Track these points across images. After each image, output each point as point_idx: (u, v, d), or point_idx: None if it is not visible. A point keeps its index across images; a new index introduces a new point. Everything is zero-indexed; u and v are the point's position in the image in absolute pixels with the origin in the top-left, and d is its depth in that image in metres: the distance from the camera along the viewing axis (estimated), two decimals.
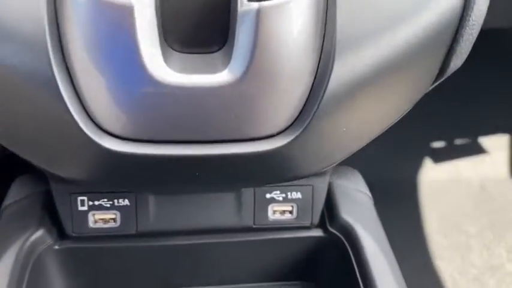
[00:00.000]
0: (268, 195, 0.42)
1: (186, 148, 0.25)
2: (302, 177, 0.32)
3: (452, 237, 1.08)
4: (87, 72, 0.24)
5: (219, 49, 0.25)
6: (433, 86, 0.36)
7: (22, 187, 0.43)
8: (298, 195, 0.42)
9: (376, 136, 0.33)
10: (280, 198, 0.42)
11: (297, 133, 0.26)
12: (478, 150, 1.25)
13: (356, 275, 0.40)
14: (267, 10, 0.24)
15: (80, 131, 0.24)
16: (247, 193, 0.41)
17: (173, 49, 0.26)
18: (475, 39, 0.28)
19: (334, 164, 0.33)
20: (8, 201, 0.42)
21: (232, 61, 0.23)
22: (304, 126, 0.25)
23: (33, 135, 0.26)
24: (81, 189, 0.39)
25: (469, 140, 1.26)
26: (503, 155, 1.25)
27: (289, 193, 0.42)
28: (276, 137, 0.26)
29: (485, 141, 1.26)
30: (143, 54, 0.24)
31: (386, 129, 0.34)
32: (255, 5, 0.23)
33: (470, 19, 0.27)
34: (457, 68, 0.31)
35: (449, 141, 1.25)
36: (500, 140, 1.26)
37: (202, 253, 0.43)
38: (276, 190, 0.42)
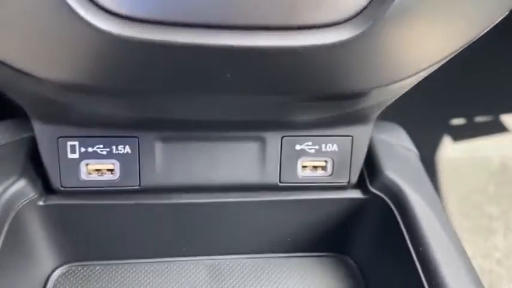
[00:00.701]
0: (298, 147, 0.35)
1: (217, 35, 0.18)
2: (367, 92, 0.25)
3: (474, 219, 1.02)
4: None
5: None
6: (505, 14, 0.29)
7: (3, 133, 0.36)
8: (335, 147, 0.35)
9: (442, 60, 0.26)
10: (313, 151, 0.35)
11: (368, 25, 0.18)
12: (499, 128, 1.20)
13: (406, 243, 0.33)
14: None
15: (71, 12, 0.17)
16: (273, 143, 0.34)
17: None
18: None
19: (397, 82, 0.26)
20: None
21: None
22: (376, 18, 0.18)
23: (19, 24, 0.19)
24: (72, 132, 0.32)
25: (490, 117, 1.21)
26: None
27: (323, 145, 0.35)
28: (340, 26, 0.18)
29: (507, 118, 1.21)
30: None
31: (452, 55, 0.27)
32: None
33: None
34: None
35: (470, 118, 1.19)
36: None
37: (216, 215, 0.36)
38: (308, 141, 0.35)
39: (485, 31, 0.29)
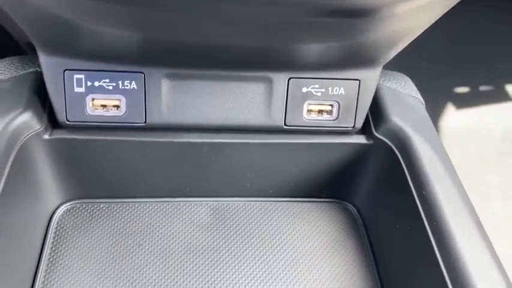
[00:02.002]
0: (304, 89, 0.35)
1: None
2: (367, 9, 0.24)
3: (473, 186, 1.03)
4: None
5: None
6: None
7: (9, 67, 0.36)
8: (341, 91, 0.35)
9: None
10: (319, 94, 0.35)
11: None
12: (503, 98, 1.20)
13: (409, 187, 0.33)
14: None
15: None
16: (280, 84, 0.34)
17: None
18: None
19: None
20: None
21: None
22: None
23: None
24: (78, 66, 0.32)
25: (493, 87, 1.21)
26: None
27: (330, 88, 0.35)
28: None
29: (510, 89, 1.21)
30: None
31: None
32: None
33: None
34: None
35: (474, 87, 1.19)
36: None
37: (221, 156, 0.36)
38: (315, 83, 0.35)
39: None
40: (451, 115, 1.16)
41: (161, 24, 0.26)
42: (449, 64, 1.16)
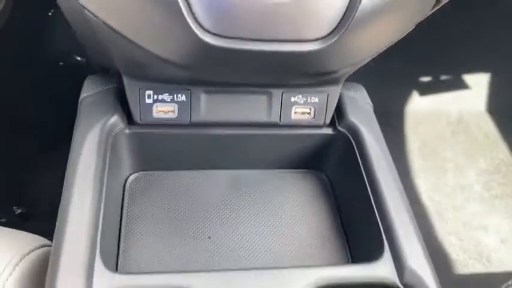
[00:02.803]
0: (292, 99, 0.53)
1: (260, 44, 0.35)
2: (335, 71, 0.42)
3: (430, 160, 1.21)
4: None
5: None
6: (432, 11, 0.46)
7: (93, 84, 0.53)
8: (316, 99, 0.53)
9: (390, 45, 0.44)
10: (302, 102, 0.53)
11: (336, 37, 0.36)
12: (460, 86, 1.36)
13: (359, 166, 0.51)
14: None
15: (189, 29, 0.34)
16: (276, 96, 0.52)
17: None
18: None
19: (358, 63, 0.44)
20: (83, 94, 0.52)
21: None
22: (341, 32, 0.36)
23: (154, 28, 0.35)
24: (149, 86, 0.49)
25: (452, 76, 1.37)
26: (482, 91, 1.37)
27: (309, 97, 0.53)
28: (322, 39, 0.36)
29: (467, 78, 1.37)
30: None
31: (397, 40, 0.45)
32: None
33: None
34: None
35: (435, 76, 1.35)
36: (481, 77, 1.37)
37: (239, 142, 0.54)
38: (299, 95, 0.53)
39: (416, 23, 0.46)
40: (416, 101, 1.33)
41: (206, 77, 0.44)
42: (415, 57, 1.32)
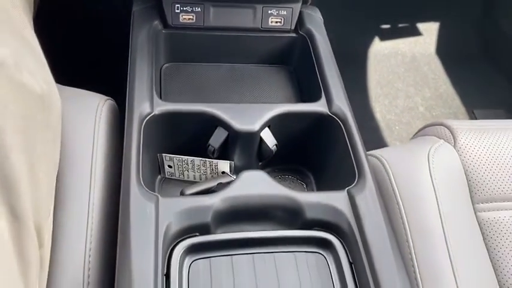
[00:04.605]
0: (269, 11, 0.80)
1: None
2: None
3: (386, 89, 1.50)
4: None
5: None
6: None
7: (141, 1, 0.81)
8: (285, 12, 0.81)
9: None
10: (275, 13, 0.81)
11: None
12: (414, 32, 1.62)
13: (312, 57, 0.80)
14: None
15: None
16: (259, 9, 0.80)
17: None
18: None
19: None
20: (135, 8, 0.80)
21: None
22: None
23: None
24: (177, 1, 0.78)
25: (408, 24, 1.64)
26: (433, 37, 1.65)
27: (280, 11, 0.80)
28: None
29: (420, 26, 1.64)
30: None
31: None
32: None
33: None
34: None
35: (393, 24, 1.63)
36: (431, 25, 1.66)
37: (234, 41, 0.81)
38: (273, 9, 0.81)
39: None
40: (377, 44, 1.61)
41: None
42: (377, 10, 1.60)
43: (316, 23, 0.84)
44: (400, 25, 1.61)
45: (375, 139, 1.34)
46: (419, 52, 1.60)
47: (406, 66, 1.57)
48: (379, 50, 1.58)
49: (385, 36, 1.59)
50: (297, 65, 0.86)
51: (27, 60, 0.48)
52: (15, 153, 0.39)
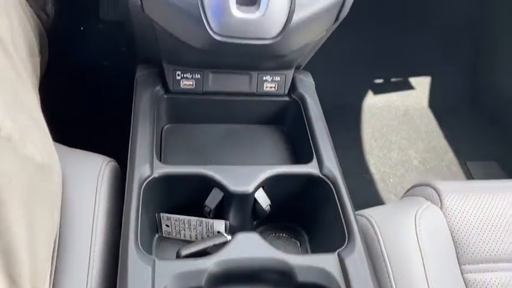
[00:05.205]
0: (264, 78, 0.85)
1: (243, 40, 0.69)
2: (285, 57, 0.76)
3: (380, 142, 1.54)
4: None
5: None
6: (335, 25, 0.79)
7: (143, 69, 0.87)
8: (278, 78, 0.86)
9: (314, 40, 0.78)
10: (270, 80, 0.85)
11: (282, 35, 0.69)
12: (407, 86, 1.67)
13: (303, 119, 0.85)
14: None
15: (206, 31, 0.67)
16: (254, 76, 0.85)
17: None
18: (350, 5, 0.73)
19: (296, 57, 0.78)
20: (138, 74, 0.85)
21: (260, 10, 0.67)
22: (284, 33, 0.69)
23: (189, 29, 0.69)
24: (178, 68, 0.83)
25: (401, 78, 1.71)
26: (425, 91, 1.71)
27: (274, 77, 0.85)
28: (273, 38, 0.70)
29: (413, 80, 1.69)
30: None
31: (316, 41, 0.80)
32: None
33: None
34: (343, 18, 0.76)
35: (386, 79, 1.70)
36: (423, 80, 1.72)
37: (230, 105, 0.87)
38: (268, 75, 0.86)
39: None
40: (370, 98, 1.67)
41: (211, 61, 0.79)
42: (370, 64, 1.67)
43: (308, 87, 0.89)
44: (393, 79, 1.67)
45: (370, 192, 1.37)
46: (412, 105, 1.65)
47: (399, 119, 1.61)
48: (373, 103, 1.63)
49: (379, 90, 1.64)
50: (290, 126, 0.91)
51: (32, 132, 0.52)
52: (17, 223, 0.42)
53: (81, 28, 1.59)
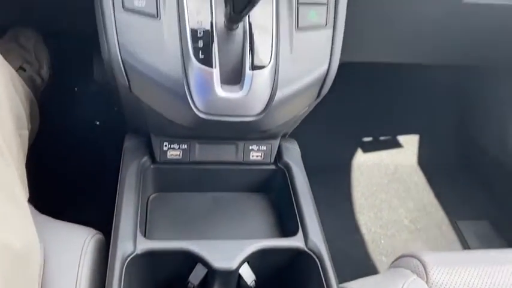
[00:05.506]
0: (250, 147, 0.86)
1: (227, 117, 0.70)
2: (269, 132, 0.78)
3: (370, 200, 1.55)
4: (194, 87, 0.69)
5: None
6: (317, 101, 0.82)
7: (131, 138, 0.88)
8: (264, 148, 0.87)
9: (295, 117, 0.80)
10: (256, 149, 0.87)
11: (265, 112, 0.71)
12: (396, 144, 1.70)
13: (289, 187, 0.86)
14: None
15: (191, 109, 0.69)
16: (241, 146, 0.87)
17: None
18: (331, 82, 0.76)
19: (280, 129, 0.80)
20: (126, 144, 0.87)
21: (243, 89, 0.69)
22: (267, 111, 0.71)
23: (175, 108, 0.71)
24: (166, 139, 0.84)
25: (389, 137, 1.71)
26: (414, 149, 1.73)
27: (260, 146, 0.87)
28: (257, 115, 0.71)
29: (401, 138, 1.71)
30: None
31: (300, 115, 0.81)
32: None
33: (329, 76, 0.74)
34: (325, 94, 0.78)
35: (375, 137, 1.72)
36: (412, 138, 1.75)
37: (217, 174, 0.88)
38: (254, 145, 0.87)
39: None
40: (360, 156, 1.68)
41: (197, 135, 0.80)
42: (359, 123, 1.69)
43: (293, 156, 0.90)
44: (382, 137, 1.69)
45: (361, 254, 1.36)
46: (401, 164, 1.67)
47: (389, 178, 1.62)
48: (363, 161, 1.64)
49: (368, 148, 1.66)
50: (277, 194, 0.91)
51: (11, 217, 0.52)
52: None
53: (75, 89, 1.62)
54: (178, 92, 0.68)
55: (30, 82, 1.33)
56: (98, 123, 1.61)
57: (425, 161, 1.65)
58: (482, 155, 1.63)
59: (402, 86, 1.69)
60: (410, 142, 1.68)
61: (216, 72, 0.68)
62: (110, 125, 1.48)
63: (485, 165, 1.63)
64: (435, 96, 1.66)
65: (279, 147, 0.89)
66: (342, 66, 0.77)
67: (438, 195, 1.55)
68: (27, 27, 1.31)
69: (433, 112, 1.67)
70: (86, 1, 0.75)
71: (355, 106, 1.63)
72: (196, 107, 0.69)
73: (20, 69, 1.30)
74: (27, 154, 0.82)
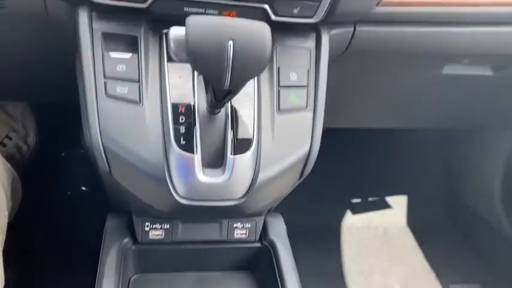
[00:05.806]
0: (234, 225, 0.85)
1: (210, 203, 0.70)
2: (252, 214, 0.76)
3: (360, 265, 1.52)
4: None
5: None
6: (300, 180, 0.81)
7: (113, 218, 0.87)
8: (249, 225, 0.86)
9: (279, 197, 0.80)
10: (240, 227, 0.86)
11: (248, 195, 0.71)
12: (385, 206, 1.70)
13: (275, 268, 0.84)
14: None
15: (171, 196, 0.68)
16: (225, 224, 0.86)
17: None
18: (314, 162, 0.76)
19: (264, 209, 0.79)
20: (108, 223, 0.85)
21: (225, 174, 0.69)
22: (249, 194, 0.71)
23: (155, 195, 0.70)
24: (148, 219, 0.83)
25: (378, 198, 1.71)
26: (403, 210, 1.72)
27: (244, 224, 0.86)
28: (239, 198, 0.71)
29: (390, 199, 1.71)
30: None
31: (284, 194, 0.81)
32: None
33: (311, 156, 0.75)
34: (308, 173, 0.78)
35: (364, 199, 1.72)
36: (401, 199, 1.74)
37: (200, 253, 0.86)
38: (238, 223, 0.86)
39: None
40: (349, 218, 1.67)
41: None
42: (349, 187, 1.69)
43: (279, 232, 0.89)
44: (370, 199, 1.68)
45: None
46: (391, 225, 1.66)
47: (379, 240, 1.61)
48: (352, 223, 1.63)
49: (357, 209, 1.65)
50: (262, 273, 0.89)
51: None
52: None
53: (62, 154, 1.61)
54: (159, 178, 0.68)
55: (16, 149, 1.32)
56: (84, 188, 1.59)
57: (414, 222, 1.65)
58: (471, 216, 1.63)
59: (390, 147, 1.71)
60: (398, 203, 1.69)
61: (197, 158, 0.68)
62: (96, 192, 1.46)
63: (473, 226, 1.62)
64: (423, 157, 1.69)
65: (264, 222, 0.88)
66: (329, 131, 0.77)
67: (429, 256, 1.53)
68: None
69: (420, 173, 1.68)
70: (74, 78, 0.76)
71: (344, 168, 1.63)
72: (177, 192, 0.68)
73: (6, 138, 1.30)
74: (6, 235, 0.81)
